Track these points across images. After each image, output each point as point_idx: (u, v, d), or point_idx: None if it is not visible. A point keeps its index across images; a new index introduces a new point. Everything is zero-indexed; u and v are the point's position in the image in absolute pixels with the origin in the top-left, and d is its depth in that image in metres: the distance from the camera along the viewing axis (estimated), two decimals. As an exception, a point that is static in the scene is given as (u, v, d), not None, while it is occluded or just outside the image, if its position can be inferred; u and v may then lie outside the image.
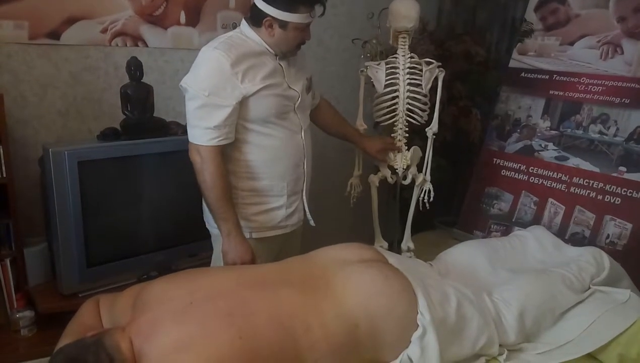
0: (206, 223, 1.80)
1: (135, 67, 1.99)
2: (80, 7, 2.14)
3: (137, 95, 2.00)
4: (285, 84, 1.69)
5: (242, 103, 1.60)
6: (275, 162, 1.72)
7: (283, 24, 1.59)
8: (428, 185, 2.26)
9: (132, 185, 1.98)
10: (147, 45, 2.32)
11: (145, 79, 2.05)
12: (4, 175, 1.84)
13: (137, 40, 2.30)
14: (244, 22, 1.69)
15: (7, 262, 1.93)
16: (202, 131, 1.58)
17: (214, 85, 1.56)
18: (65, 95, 2.17)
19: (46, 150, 1.80)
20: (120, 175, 1.95)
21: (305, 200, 1.84)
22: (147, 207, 2.02)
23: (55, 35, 2.11)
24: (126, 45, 2.27)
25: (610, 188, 2.30)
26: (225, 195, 1.61)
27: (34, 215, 2.08)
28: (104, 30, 2.21)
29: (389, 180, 2.27)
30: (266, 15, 1.59)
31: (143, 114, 2.01)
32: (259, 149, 1.69)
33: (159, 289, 1.31)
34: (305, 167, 1.81)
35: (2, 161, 1.83)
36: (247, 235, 1.71)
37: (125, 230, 1.99)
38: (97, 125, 2.18)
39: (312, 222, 1.88)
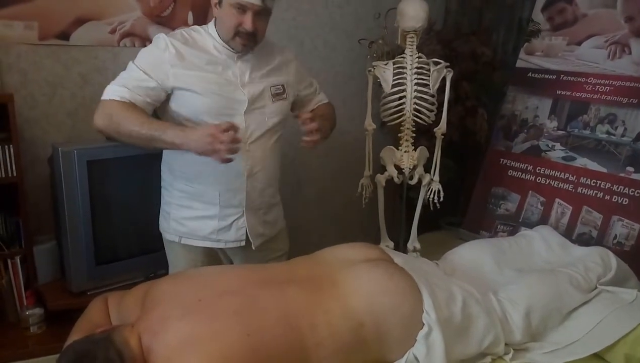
0: (160, 229, 1.74)
1: (143, 67, 2.00)
2: (89, 8, 2.16)
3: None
4: (233, 85, 1.58)
5: (175, 95, 1.54)
6: (206, 166, 1.53)
7: (220, 1, 1.53)
8: (437, 185, 2.26)
9: (140, 184, 2.00)
10: (155, 46, 2.34)
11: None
12: (14, 174, 1.87)
13: (145, 40, 2.32)
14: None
15: (17, 260, 1.95)
16: (113, 87, 1.50)
17: (146, 59, 1.54)
18: (74, 95, 2.19)
19: (56, 149, 1.82)
20: (129, 175, 1.97)
21: (249, 220, 1.66)
22: (155, 205, 2.03)
23: (64, 35, 2.13)
24: (134, 46, 2.29)
25: (617, 188, 2.29)
26: (145, 121, 1.45)
27: (43, 214, 2.10)
28: (113, 31, 2.23)
29: (396, 180, 2.27)
30: None
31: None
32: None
33: (168, 287, 1.32)
34: (247, 181, 1.62)
35: (12, 160, 1.86)
36: (176, 239, 1.66)
37: (133, 229, 2.01)
38: (105, 125, 2.19)
39: (252, 245, 1.69)
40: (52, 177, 1.93)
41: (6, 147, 1.84)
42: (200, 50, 1.57)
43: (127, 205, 1.99)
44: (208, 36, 1.60)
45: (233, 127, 1.40)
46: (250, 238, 1.68)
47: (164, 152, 1.64)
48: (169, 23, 2.36)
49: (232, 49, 1.57)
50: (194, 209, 1.64)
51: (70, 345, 1.19)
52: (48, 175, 2.04)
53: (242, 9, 1.49)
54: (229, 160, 1.41)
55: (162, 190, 1.73)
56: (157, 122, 1.49)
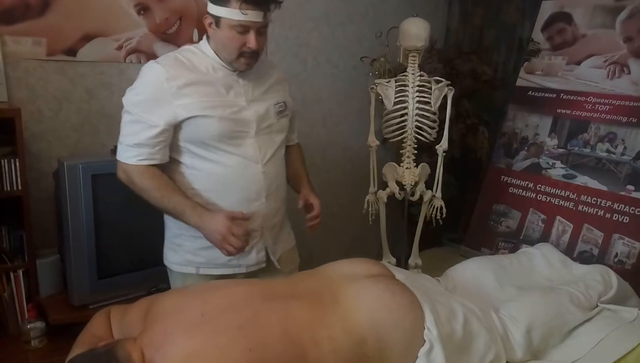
0: (167, 263, 1.68)
1: (149, 84, 2.03)
2: (97, 25, 2.20)
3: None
4: (241, 104, 1.52)
5: (183, 125, 1.46)
6: (221, 193, 1.52)
7: (217, 20, 1.43)
8: (439, 202, 2.27)
9: (143, 199, 2.01)
10: (160, 62, 2.38)
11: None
12: (19, 188, 1.88)
13: (151, 57, 2.34)
14: (205, 36, 1.55)
15: (20, 273, 1.95)
16: (126, 148, 1.47)
17: (145, 101, 1.44)
18: (80, 110, 2.22)
19: (61, 163, 1.84)
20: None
21: (269, 241, 1.63)
22: (157, 220, 2.05)
23: (71, 51, 2.16)
24: (140, 62, 2.32)
25: (618, 206, 2.30)
26: (166, 192, 1.45)
27: (46, 228, 2.11)
28: (119, 48, 2.27)
29: (397, 196, 2.29)
30: (206, 13, 1.46)
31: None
32: (202, 175, 1.52)
33: (170, 301, 1.32)
34: (265, 202, 1.58)
35: (18, 174, 1.87)
36: (194, 271, 1.60)
37: (136, 243, 2.02)
38: (110, 140, 2.21)
39: (276, 265, 1.67)
40: (57, 191, 1.95)
41: (12, 160, 1.86)
42: (199, 73, 1.49)
43: (130, 220, 2.00)
44: (204, 56, 1.51)
45: (245, 217, 1.45)
46: (271, 258, 1.65)
47: (173, 180, 1.54)
48: (174, 40, 2.40)
49: (235, 69, 1.52)
50: None
51: (73, 358, 1.19)
52: (52, 189, 2.06)
53: (244, 28, 1.43)
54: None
55: (168, 222, 1.63)
56: (177, 198, 1.46)
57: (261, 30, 1.47)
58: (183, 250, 1.61)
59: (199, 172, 1.52)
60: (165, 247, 1.67)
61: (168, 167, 1.54)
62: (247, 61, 1.49)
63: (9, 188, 1.87)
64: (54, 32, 2.11)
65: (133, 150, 1.46)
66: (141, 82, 1.47)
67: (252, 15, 1.41)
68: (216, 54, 1.50)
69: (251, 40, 1.44)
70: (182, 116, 1.45)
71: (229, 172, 1.52)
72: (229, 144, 1.50)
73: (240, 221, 1.46)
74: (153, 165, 1.48)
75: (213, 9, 1.43)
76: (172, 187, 1.48)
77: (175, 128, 1.48)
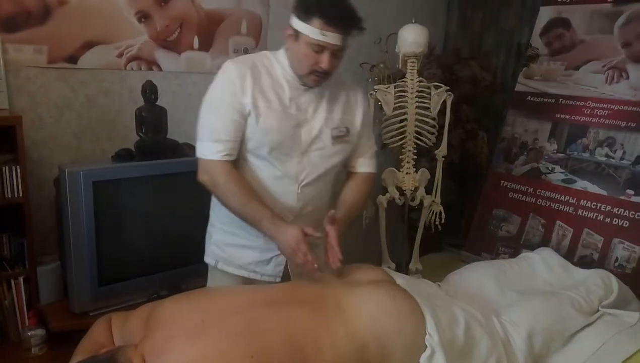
0: (205, 255, 1.68)
1: (150, 90, 2.05)
2: (98, 33, 2.21)
3: (152, 118, 2.05)
4: (296, 120, 1.51)
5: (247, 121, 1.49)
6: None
7: (297, 35, 1.43)
8: (439, 207, 2.28)
9: (144, 205, 2.02)
10: (161, 69, 2.39)
11: (159, 102, 2.11)
12: (21, 195, 1.88)
13: (152, 64, 2.36)
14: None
15: (21, 280, 1.95)
16: (207, 145, 1.49)
17: (222, 94, 1.48)
18: (80, 117, 2.23)
19: (62, 170, 1.85)
20: (134, 195, 1.99)
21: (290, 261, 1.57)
22: (158, 226, 2.06)
23: (73, 59, 2.17)
24: (141, 69, 2.33)
25: (618, 211, 2.31)
26: (249, 200, 1.47)
27: (47, 235, 2.11)
28: (120, 55, 2.28)
29: (397, 201, 2.30)
30: (288, 24, 1.47)
31: (157, 136, 2.06)
32: (244, 176, 1.53)
33: (171, 308, 1.32)
34: (296, 219, 1.55)
35: (19, 181, 1.87)
36: (213, 263, 1.63)
37: (136, 250, 2.02)
38: (110, 147, 2.23)
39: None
40: (58, 198, 1.95)
41: (13, 167, 1.86)
42: (268, 77, 1.50)
43: (131, 227, 2.01)
44: (277, 64, 1.52)
45: (315, 234, 1.42)
46: (291, 275, 1.62)
47: None
48: (175, 47, 2.41)
49: (304, 84, 1.50)
50: (238, 237, 1.57)
51: (74, 365, 1.19)
52: (53, 196, 2.06)
53: (320, 48, 1.41)
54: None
55: (210, 211, 1.66)
56: (257, 207, 1.47)
57: (336, 53, 1.45)
58: (211, 240, 1.65)
59: (243, 173, 1.53)
60: (206, 239, 1.69)
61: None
62: (316, 79, 1.48)
63: (10, 196, 1.87)
64: (55, 39, 2.12)
65: (215, 145, 1.47)
66: (217, 80, 1.51)
67: (331, 38, 1.40)
68: (290, 66, 1.50)
69: (324, 60, 1.43)
70: (248, 110, 1.46)
71: (267, 182, 1.53)
72: (274, 156, 1.50)
73: (312, 237, 1.44)
74: (233, 164, 1.49)
75: (295, 22, 1.43)
76: (253, 195, 1.49)
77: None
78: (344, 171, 1.71)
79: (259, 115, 1.47)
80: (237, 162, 1.53)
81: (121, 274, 1.98)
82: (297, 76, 1.49)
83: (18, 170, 1.87)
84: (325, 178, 1.61)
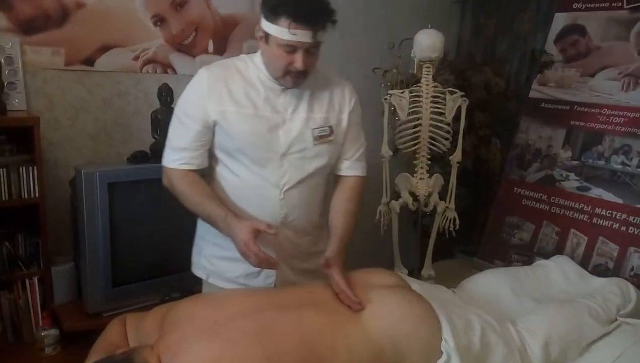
0: (195, 267, 1.65)
1: (166, 93, 2.07)
2: (114, 36, 2.23)
3: (167, 120, 2.02)
4: (272, 122, 1.44)
5: (216, 129, 1.45)
6: (238, 207, 1.47)
7: (267, 36, 1.36)
8: (452, 213, 2.27)
9: (159, 207, 2.03)
10: (176, 73, 2.41)
11: (174, 105, 2.11)
12: (37, 195, 1.90)
13: (167, 67, 2.38)
14: None
15: (35, 280, 1.97)
16: (169, 152, 1.49)
17: (187, 103, 1.46)
18: (96, 119, 2.25)
19: (78, 171, 1.86)
20: (149, 197, 2.00)
21: (283, 268, 1.53)
22: (172, 228, 2.06)
23: (89, 61, 2.20)
24: (156, 72, 2.35)
25: (634, 219, 2.28)
26: (202, 199, 1.44)
27: (61, 236, 2.13)
28: (136, 58, 2.30)
29: (411, 207, 2.29)
30: (259, 26, 1.40)
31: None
32: (226, 184, 1.50)
33: (186, 309, 1.32)
34: (281, 230, 1.49)
35: (36, 182, 1.89)
36: (204, 277, 1.59)
37: (150, 251, 2.03)
38: (125, 149, 2.24)
39: None
40: (73, 199, 1.96)
41: (30, 168, 1.88)
42: (242, 81, 1.45)
43: (145, 228, 2.01)
44: (253, 66, 1.47)
45: (270, 230, 1.36)
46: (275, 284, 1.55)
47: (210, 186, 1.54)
48: (190, 51, 2.43)
49: (281, 85, 1.44)
50: (225, 249, 1.49)
51: (91, 365, 1.20)
52: (68, 197, 2.07)
53: (292, 48, 1.34)
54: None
55: (198, 223, 1.61)
56: (211, 207, 1.43)
57: (311, 50, 1.37)
58: (201, 253, 1.61)
59: (224, 180, 1.51)
60: (193, 248, 1.66)
61: (207, 174, 1.54)
62: (294, 80, 1.41)
63: (26, 196, 1.89)
64: (73, 42, 2.14)
65: (175, 153, 1.47)
66: (187, 88, 1.48)
67: (301, 35, 1.32)
68: (266, 69, 1.45)
69: (298, 60, 1.35)
70: (213, 119, 1.42)
71: (246, 188, 1.48)
72: (252, 161, 1.45)
73: (264, 233, 1.38)
74: (193, 171, 1.47)
75: (264, 24, 1.36)
76: (208, 195, 1.46)
77: (213, 134, 1.47)
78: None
79: (228, 121, 1.42)
80: (214, 170, 1.51)
81: (135, 275, 1.99)
82: (274, 78, 1.43)
83: (35, 171, 1.89)
84: (311, 182, 1.51)
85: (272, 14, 1.32)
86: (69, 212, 2.08)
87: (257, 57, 1.47)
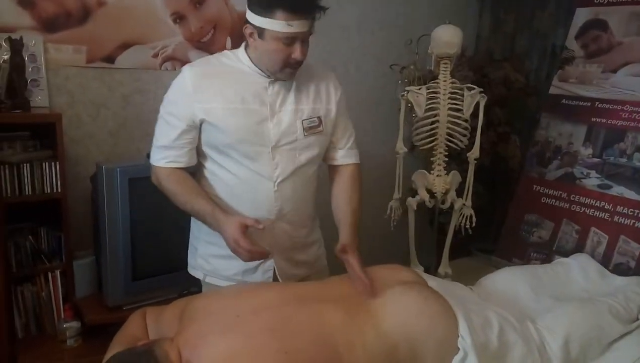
0: (191, 267, 1.66)
1: (184, 90, 2.08)
2: (135, 33, 2.26)
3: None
4: (260, 116, 1.44)
5: (203, 126, 1.45)
6: (232, 203, 1.49)
7: (260, 32, 1.36)
8: (469, 211, 2.25)
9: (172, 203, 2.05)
10: (194, 70, 2.42)
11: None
12: (59, 190, 1.94)
13: (185, 64, 2.40)
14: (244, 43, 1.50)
15: (57, 273, 2.01)
16: (155, 150, 1.49)
17: (172, 102, 1.46)
18: (116, 115, 2.28)
19: (100, 167, 1.89)
20: (167, 193, 2.02)
21: (275, 262, 1.54)
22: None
23: (110, 59, 2.23)
24: (175, 69, 2.37)
25: (656, 218, 2.24)
26: (190, 196, 1.44)
27: (83, 230, 2.16)
28: (155, 55, 2.32)
29: (427, 204, 2.28)
30: (246, 22, 1.39)
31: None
32: (217, 181, 1.51)
33: (206, 302, 1.34)
34: (276, 223, 1.50)
35: (58, 177, 1.93)
36: (201, 277, 1.60)
37: (170, 246, 2.04)
38: (145, 145, 2.25)
39: None
40: (94, 194, 2.00)
41: (52, 164, 1.92)
42: (227, 78, 1.45)
43: (165, 223, 2.03)
44: (237, 62, 1.47)
45: (258, 225, 1.36)
46: (280, 280, 1.56)
47: (199, 183, 1.54)
48: (208, 48, 2.44)
49: (277, 78, 1.45)
50: (220, 247, 1.46)
51: (113, 356, 1.22)
52: (89, 192, 2.11)
53: (290, 40, 1.35)
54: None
55: (192, 223, 1.62)
56: (199, 204, 1.44)
57: (306, 40, 1.39)
58: (197, 253, 1.61)
59: (215, 177, 1.51)
60: (188, 249, 1.68)
61: (197, 171, 1.55)
62: (292, 71, 1.43)
63: (49, 191, 1.93)
64: (94, 40, 2.17)
65: (161, 152, 1.48)
66: (172, 86, 1.49)
67: (298, 26, 1.33)
68: (254, 63, 1.44)
69: (297, 51, 1.37)
70: (200, 118, 1.43)
71: (240, 183, 1.48)
72: (243, 155, 1.45)
73: (253, 228, 1.38)
74: (180, 168, 1.48)
75: (255, 19, 1.35)
76: (196, 192, 1.46)
77: (200, 131, 1.47)
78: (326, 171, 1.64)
79: (216, 117, 1.42)
80: (204, 167, 1.52)
81: (154, 270, 2.01)
82: (270, 73, 1.43)
83: (57, 167, 1.92)
84: (303, 173, 1.53)
85: (267, 8, 1.33)
86: (90, 207, 2.12)
87: (241, 52, 1.47)
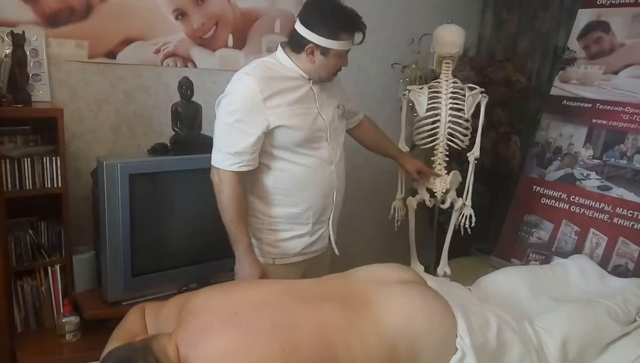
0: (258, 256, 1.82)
1: (186, 86, 2.08)
2: (137, 29, 2.26)
3: (187, 113, 2.08)
4: (315, 111, 1.69)
5: (270, 131, 1.62)
6: (302, 191, 1.71)
7: (325, 51, 1.61)
8: (469, 211, 2.25)
9: (178, 198, 2.06)
10: (195, 66, 2.43)
11: (193, 98, 2.14)
12: (60, 185, 1.93)
13: (187, 61, 2.40)
14: (279, 47, 1.71)
15: (57, 268, 2.01)
16: (224, 156, 1.61)
17: (242, 111, 1.58)
18: (118, 111, 2.28)
19: (100, 162, 1.89)
20: (169, 189, 2.03)
21: (331, 230, 1.83)
22: (191, 220, 2.09)
23: (112, 54, 2.23)
24: (176, 66, 2.38)
25: (656, 220, 2.24)
26: (238, 218, 1.64)
27: (82, 225, 2.17)
28: (157, 51, 2.32)
29: (428, 203, 2.28)
30: (308, 42, 1.60)
31: (192, 131, 2.09)
32: (285, 176, 1.70)
33: (205, 298, 1.35)
34: (334, 197, 1.79)
35: (59, 172, 1.93)
36: (270, 261, 1.76)
37: (169, 242, 2.06)
38: (146, 141, 2.27)
39: (336, 251, 1.89)
40: (95, 189, 2.00)
41: (53, 159, 1.92)
42: (282, 80, 1.64)
43: (165, 219, 2.04)
44: (282, 67, 1.67)
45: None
46: (333, 245, 1.85)
47: (256, 185, 1.72)
48: (210, 45, 2.45)
49: (323, 82, 1.70)
50: (287, 231, 1.74)
51: (111, 351, 1.22)
52: (90, 187, 2.11)
53: (346, 52, 1.65)
54: None
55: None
56: (238, 229, 1.64)
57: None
58: (262, 242, 1.77)
59: (283, 173, 1.68)
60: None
61: (256, 170, 1.68)
62: (335, 75, 1.72)
63: (49, 186, 1.93)
64: (96, 35, 2.17)
65: (233, 158, 1.60)
66: (235, 93, 1.60)
67: (355, 41, 1.65)
68: (300, 69, 1.66)
69: (346, 60, 1.69)
70: (274, 124, 1.59)
71: (309, 172, 1.69)
72: (309, 148, 1.68)
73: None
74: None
75: (321, 41, 1.59)
76: (244, 218, 1.68)
77: (266, 135, 1.62)
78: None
79: (287, 120, 1.61)
80: (267, 167, 1.68)
81: (154, 266, 2.01)
82: (321, 78, 1.69)
83: (58, 161, 1.92)
84: (343, 154, 1.82)
85: (332, 32, 1.58)
86: (91, 202, 2.12)
87: (284, 58, 1.68)
